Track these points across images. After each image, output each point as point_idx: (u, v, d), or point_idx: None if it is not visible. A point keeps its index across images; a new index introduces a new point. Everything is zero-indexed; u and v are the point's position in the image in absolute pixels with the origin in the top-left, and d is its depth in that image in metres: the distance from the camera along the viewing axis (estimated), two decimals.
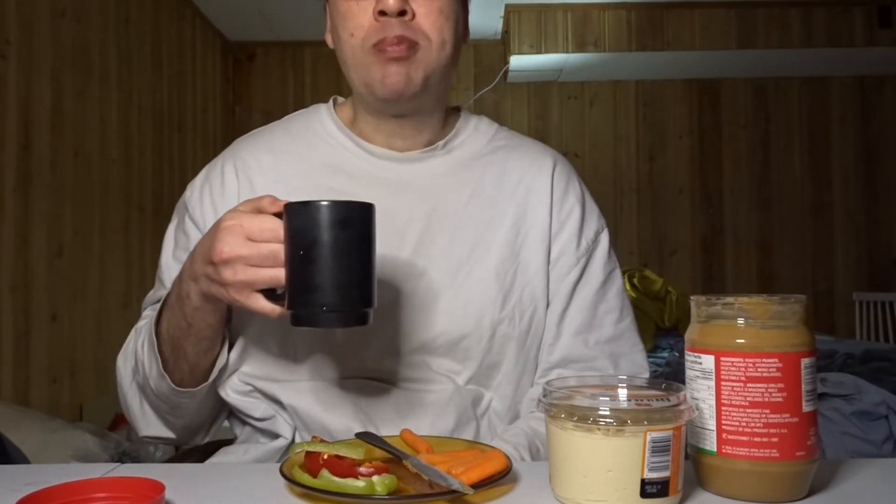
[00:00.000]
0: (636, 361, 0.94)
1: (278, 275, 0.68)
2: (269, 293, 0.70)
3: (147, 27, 3.32)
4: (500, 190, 0.93)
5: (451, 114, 0.99)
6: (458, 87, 4.55)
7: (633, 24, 4.11)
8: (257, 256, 0.68)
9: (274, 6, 3.95)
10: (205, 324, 0.79)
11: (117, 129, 3.01)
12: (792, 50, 4.11)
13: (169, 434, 0.91)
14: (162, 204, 3.41)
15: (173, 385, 0.83)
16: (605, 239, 0.97)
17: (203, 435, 0.95)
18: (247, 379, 0.88)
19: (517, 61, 4.19)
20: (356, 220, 0.67)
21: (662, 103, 4.62)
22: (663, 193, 4.59)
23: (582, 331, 0.92)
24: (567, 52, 4.12)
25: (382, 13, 0.82)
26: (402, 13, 0.82)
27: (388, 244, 0.87)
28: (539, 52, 4.12)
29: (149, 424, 0.90)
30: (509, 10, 4.10)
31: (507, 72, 4.38)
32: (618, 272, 0.97)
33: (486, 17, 4.19)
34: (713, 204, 4.60)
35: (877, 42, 4.08)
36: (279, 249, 0.68)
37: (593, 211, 0.97)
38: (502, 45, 4.44)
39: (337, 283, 0.66)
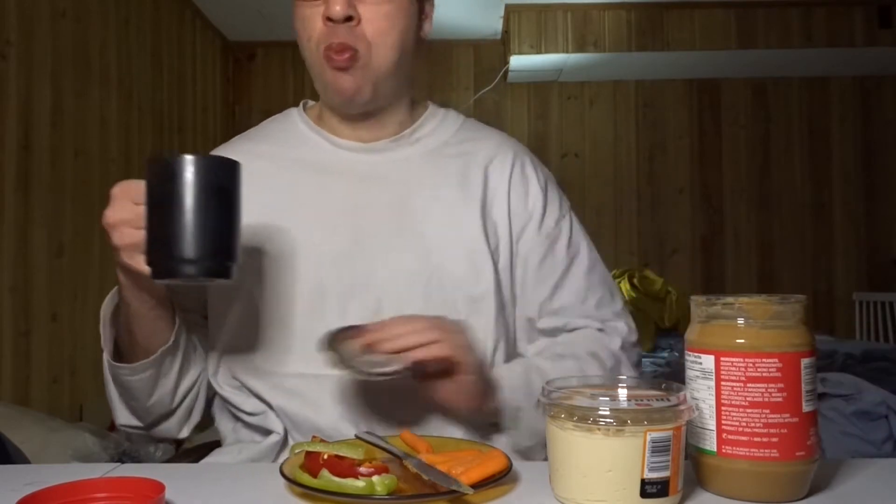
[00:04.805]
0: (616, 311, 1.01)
1: None
2: None
3: (147, 27, 3.31)
4: (467, 176, 0.97)
5: (419, 106, 1.03)
6: (458, 87, 4.54)
7: (632, 24, 4.10)
8: (140, 218, 0.70)
9: (274, 6, 3.94)
10: (139, 301, 0.82)
11: (117, 129, 3.01)
12: (792, 50, 4.11)
13: (135, 421, 0.93)
14: None
15: (109, 359, 0.86)
16: (573, 217, 1.04)
17: (177, 427, 0.96)
18: (233, 374, 0.91)
19: (517, 61, 4.19)
20: (207, 172, 0.68)
21: (662, 103, 4.62)
22: (663, 193, 4.58)
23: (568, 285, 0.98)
24: (567, 52, 4.11)
25: (330, 19, 0.86)
26: (348, 19, 0.86)
27: (363, 232, 0.90)
28: (539, 52, 4.11)
29: (119, 413, 0.93)
30: (509, 10, 4.10)
31: (507, 72, 4.37)
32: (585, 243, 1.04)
33: (486, 17, 4.18)
34: (713, 204, 4.59)
35: (877, 42, 4.08)
36: None
37: (555, 192, 1.03)
38: (502, 45, 4.43)
39: (191, 233, 0.67)
